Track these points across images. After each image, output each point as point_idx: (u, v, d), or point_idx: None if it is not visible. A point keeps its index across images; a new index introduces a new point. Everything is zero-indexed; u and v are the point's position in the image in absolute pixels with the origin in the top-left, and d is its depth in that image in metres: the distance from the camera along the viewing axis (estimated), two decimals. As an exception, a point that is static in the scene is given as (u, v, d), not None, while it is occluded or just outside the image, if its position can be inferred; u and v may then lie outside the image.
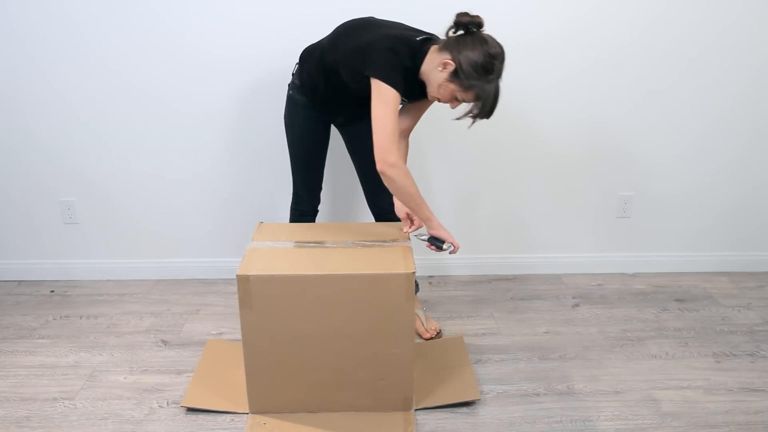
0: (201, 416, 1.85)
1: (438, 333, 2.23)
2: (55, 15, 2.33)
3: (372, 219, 2.25)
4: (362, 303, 1.70)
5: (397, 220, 2.05)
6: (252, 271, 1.68)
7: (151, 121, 2.48)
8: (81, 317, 2.39)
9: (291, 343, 1.75)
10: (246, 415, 1.83)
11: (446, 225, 1.93)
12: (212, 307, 2.47)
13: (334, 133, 2.19)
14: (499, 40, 1.74)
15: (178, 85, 2.42)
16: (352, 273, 1.68)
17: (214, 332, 2.29)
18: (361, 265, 1.71)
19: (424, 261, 2.63)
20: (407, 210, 1.92)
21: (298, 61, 2.06)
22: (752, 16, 2.41)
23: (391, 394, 1.81)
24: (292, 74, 2.07)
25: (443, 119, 2.15)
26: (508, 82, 2.45)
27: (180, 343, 2.23)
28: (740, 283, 2.67)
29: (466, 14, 1.75)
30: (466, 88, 1.74)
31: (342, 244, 1.85)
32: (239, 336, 2.23)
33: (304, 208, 2.23)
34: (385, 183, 1.79)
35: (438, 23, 1.84)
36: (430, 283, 2.65)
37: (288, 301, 1.69)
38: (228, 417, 1.84)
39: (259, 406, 1.82)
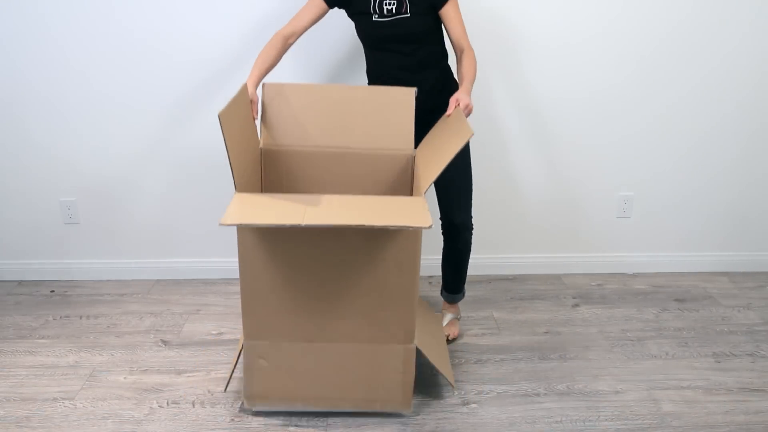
0: (201, 416, 1.85)
1: (447, 338, 2.20)
2: (54, 15, 2.33)
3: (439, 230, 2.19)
4: (368, 235, 1.62)
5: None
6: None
7: (151, 121, 2.48)
8: (81, 317, 2.39)
9: (290, 267, 1.67)
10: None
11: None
12: (212, 307, 2.47)
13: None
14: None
15: (177, 85, 2.42)
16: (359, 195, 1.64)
17: (214, 332, 2.29)
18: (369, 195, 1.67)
19: (424, 261, 2.62)
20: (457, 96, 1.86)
21: None
22: (753, 19, 2.41)
23: (392, 326, 1.74)
24: None
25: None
26: (508, 82, 2.46)
27: (180, 343, 2.23)
28: (740, 283, 2.67)
29: None
30: None
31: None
32: (239, 336, 2.24)
33: None
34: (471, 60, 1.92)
35: None
36: (430, 283, 2.65)
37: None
38: (228, 417, 1.84)
39: (254, 333, 1.76)
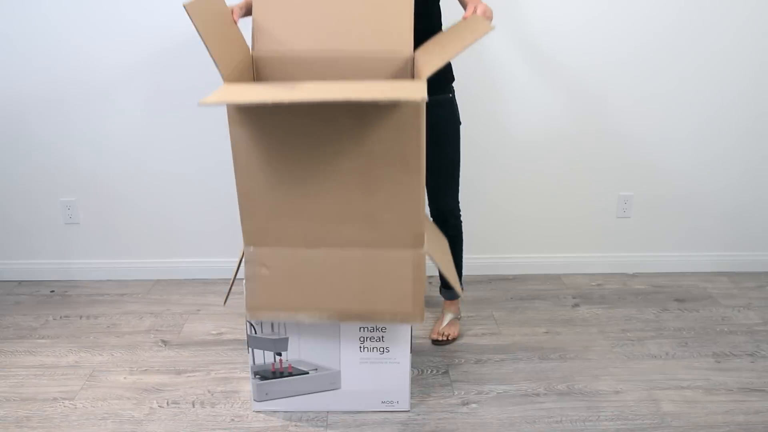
0: (201, 416, 1.85)
1: (447, 338, 2.21)
2: (53, 14, 2.33)
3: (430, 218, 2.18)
4: (365, 121, 1.51)
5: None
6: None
7: (152, 121, 2.48)
8: (81, 317, 2.39)
9: (285, 164, 1.57)
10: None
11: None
12: (212, 307, 2.47)
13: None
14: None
15: (178, 84, 2.42)
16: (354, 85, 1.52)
17: (214, 332, 2.29)
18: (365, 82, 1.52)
19: (424, 261, 2.63)
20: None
21: None
22: (752, 18, 2.41)
23: (399, 229, 1.61)
24: None
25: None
26: (508, 83, 2.46)
27: (180, 343, 2.23)
28: (740, 283, 2.67)
29: None
30: None
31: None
32: (239, 336, 2.24)
33: None
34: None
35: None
36: (430, 283, 2.65)
37: (281, 116, 1.52)
38: (228, 417, 1.84)
39: (254, 239, 1.66)
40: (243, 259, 1.70)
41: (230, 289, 1.93)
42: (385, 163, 1.55)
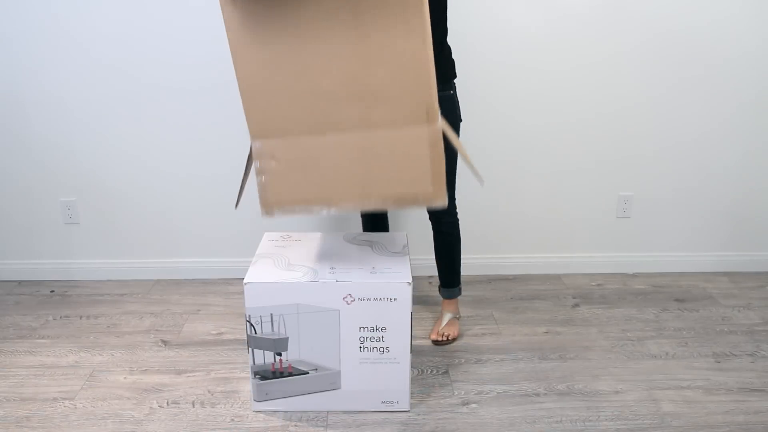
0: (201, 416, 1.85)
1: (447, 338, 2.21)
2: (53, 15, 2.33)
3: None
4: None
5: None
6: None
7: (152, 121, 2.48)
8: (81, 317, 2.39)
9: (282, 42, 1.49)
10: None
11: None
12: (212, 307, 2.47)
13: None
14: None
15: (178, 84, 2.43)
16: None
17: (214, 332, 2.29)
18: None
19: (424, 261, 2.63)
20: None
21: None
22: (754, 18, 2.41)
23: (409, 104, 1.51)
24: None
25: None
26: (508, 82, 2.46)
27: (180, 343, 2.23)
28: (740, 283, 2.67)
29: None
30: None
31: None
32: (239, 336, 2.24)
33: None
34: None
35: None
36: (429, 283, 2.65)
37: None
38: (228, 417, 1.84)
39: (261, 131, 1.59)
40: (251, 156, 1.63)
41: (241, 191, 1.79)
42: (385, 30, 1.45)
